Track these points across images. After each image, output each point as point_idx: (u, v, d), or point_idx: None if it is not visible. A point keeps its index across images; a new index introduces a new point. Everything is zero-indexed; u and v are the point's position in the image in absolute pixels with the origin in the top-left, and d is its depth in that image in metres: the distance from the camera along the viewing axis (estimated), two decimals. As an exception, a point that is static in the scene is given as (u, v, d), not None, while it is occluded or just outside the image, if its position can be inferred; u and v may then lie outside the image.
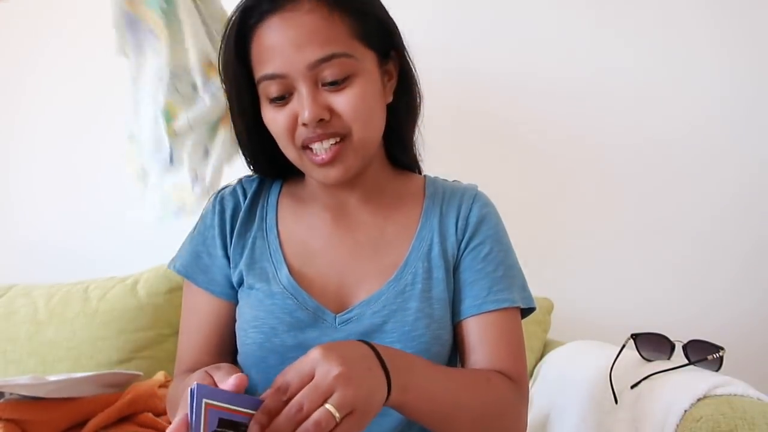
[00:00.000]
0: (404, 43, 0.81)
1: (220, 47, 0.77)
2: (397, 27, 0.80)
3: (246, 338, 0.78)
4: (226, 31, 0.76)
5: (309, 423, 0.52)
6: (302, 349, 0.70)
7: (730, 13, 1.71)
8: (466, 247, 0.82)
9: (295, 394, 0.54)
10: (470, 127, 1.77)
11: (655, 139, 1.74)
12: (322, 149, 0.74)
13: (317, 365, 0.56)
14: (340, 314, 0.77)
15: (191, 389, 0.52)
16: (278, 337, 0.75)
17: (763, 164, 1.72)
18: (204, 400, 0.52)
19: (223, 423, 0.53)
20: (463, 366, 0.81)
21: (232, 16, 0.75)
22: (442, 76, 1.75)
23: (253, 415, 0.54)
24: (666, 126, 1.74)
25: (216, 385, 0.59)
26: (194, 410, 0.52)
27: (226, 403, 0.53)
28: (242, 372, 0.62)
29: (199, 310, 0.84)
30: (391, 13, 0.80)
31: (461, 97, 1.77)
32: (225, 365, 0.65)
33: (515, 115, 1.77)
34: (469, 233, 0.82)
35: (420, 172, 0.93)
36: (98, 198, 1.86)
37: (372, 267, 0.80)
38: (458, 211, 0.83)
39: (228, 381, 0.57)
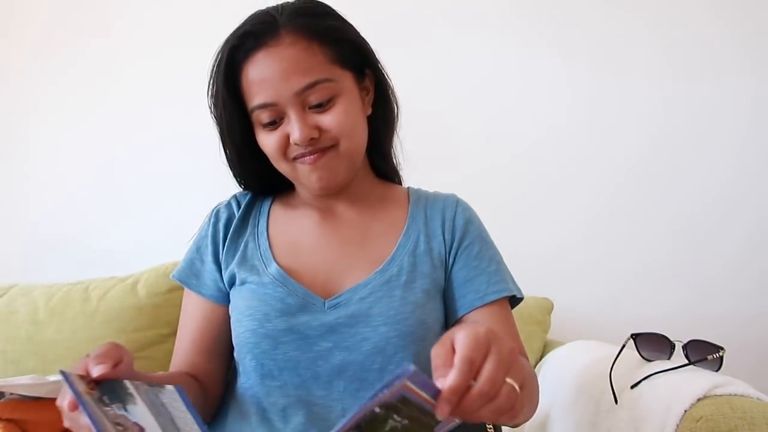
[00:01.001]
0: (378, 59, 0.88)
1: (209, 83, 0.83)
2: (369, 46, 0.87)
3: (240, 327, 0.82)
4: (214, 67, 0.83)
5: (501, 399, 0.52)
6: (293, 332, 0.78)
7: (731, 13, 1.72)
8: (458, 248, 0.88)
9: (480, 369, 0.53)
10: (467, 131, 1.77)
11: (654, 139, 1.74)
12: (311, 156, 0.82)
13: (493, 342, 0.55)
14: (328, 299, 0.82)
15: (405, 369, 0.50)
16: (270, 322, 0.80)
17: (763, 163, 1.72)
18: (405, 382, 0.50)
19: (402, 399, 0.52)
20: None
21: (220, 54, 0.82)
22: (429, 85, 1.76)
23: (427, 399, 0.52)
24: (664, 126, 1.74)
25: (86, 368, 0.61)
26: (389, 382, 0.51)
27: (418, 386, 0.52)
28: (127, 355, 0.63)
29: (191, 311, 0.91)
30: (373, 29, 0.88)
31: (450, 104, 1.78)
32: (111, 345, 0.64)
33: (513, 116, 1.78)
34: (458, 235, 0.88)
35: (401, 183, 0.99)
36: (99, 198, 1.86)
37: (359, 259, 0.85)
38: (443, 215, 0.90)
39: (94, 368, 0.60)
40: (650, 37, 1.75)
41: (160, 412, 0.62)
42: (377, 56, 0.88)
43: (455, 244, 0.88)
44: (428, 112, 1.73)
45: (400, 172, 0.99)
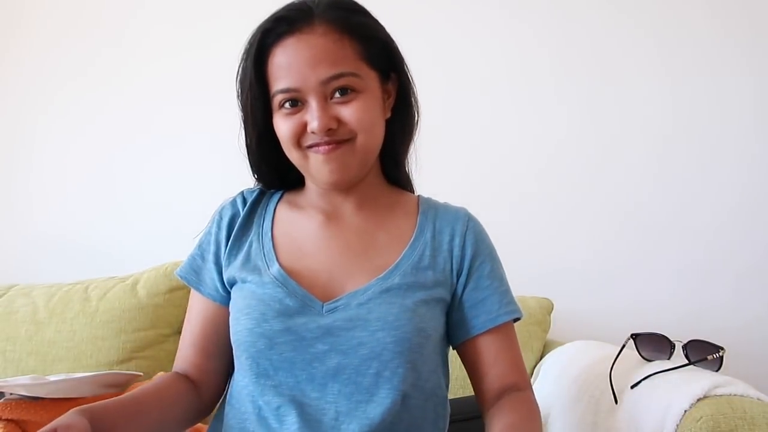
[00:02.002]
0: (406, 65, 0.88)
1: (239, 65, 0.84)
2: (399, 51, 0.87)
3: (237, 325, 0.83)
4: (244, 50, 0.83)
5: None
6: (290, 333, 0.78)
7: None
8: (470, 267, 0.88)
9: None
10: (470, 133, 1.78)
11: (656, 139, 1.74)
12: (326, 146, 0.81)
13: None
14: (327, 303, 0.81)
15: None
16: (267, 322, 0.80)
17: (762, 164, 1.72)
18: None
19: None
20: (482, 379, 0.86)
21: (252, 37, 0.82)
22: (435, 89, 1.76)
23: None
24: (666, 126, 1.74)
25: None
26: None
27: None
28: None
29: (192, 309, 0.91)
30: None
31: (454, 106, 1.78)
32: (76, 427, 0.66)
33: (514, 118, 1.78)
34: (470, 253, 0.88)
35: (413, 191, 0.98)
36: (99, 199, 1.86)
37: (361, 265, 0.85)
38: (452, 230, 0.89)
39: None
40: (650, 38, 1.75)
41: None
42: (406, 62, 0.88)
43: (466, 263, 0.87)
44: (432, 113, 1.73)
45: (413, 181, 0.98)
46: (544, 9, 1.78)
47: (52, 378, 1.08)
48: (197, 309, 0.91)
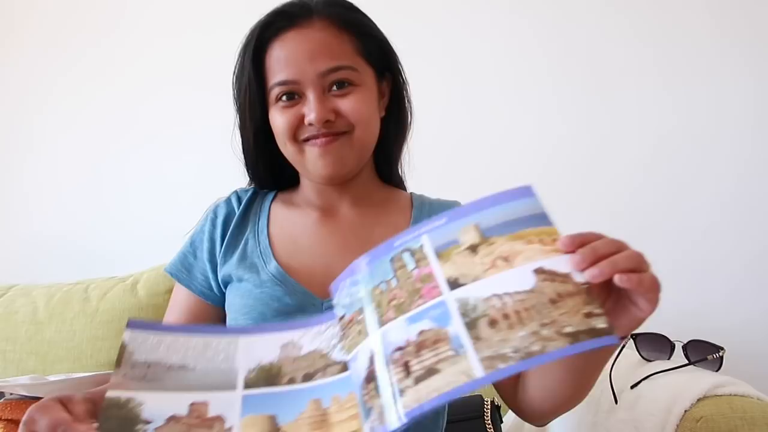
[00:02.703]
0: (401, 65, 0.89)
1: (237, 60, 0.85)
2: (394, 51, 0.88)
3: (235, 325, 0.82)
4: (242, 45, 0.84)
5: (646, 276, 0.55)
6: None
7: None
8: None
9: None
10: (464, 132, 1.78)
11: (655, 139, 1.74)
12: (324, 138, 0.81)
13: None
14: (326, 300, 0.81)
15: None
16: (266, 322, 0.80)
17: (763, 164, 1.72)
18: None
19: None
20: None
21: (250, 32, 0.83)
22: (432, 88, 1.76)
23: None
24: (665, 125, 1.74)
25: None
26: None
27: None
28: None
29: (177, 304, 0.91)
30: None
31: (448, 109, 1.78)
32: (80, 397, 0.61)
33: (510, 117, 1.78)
34: None
35: (405, 191, 0.99)
36: (99, 199, 1.86)
37: None
38: None
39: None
40: (648, 38, 1.75)
41: (156, 376, 0.56)
42: (400, 63, 0.89)
43: None
44: (428, 114, 1.73)
45: (405, 182, 0.98)
46: (543, 10, 1.77)
47: (52, 378, 1.09)
48: (181, 303, 0.90)
